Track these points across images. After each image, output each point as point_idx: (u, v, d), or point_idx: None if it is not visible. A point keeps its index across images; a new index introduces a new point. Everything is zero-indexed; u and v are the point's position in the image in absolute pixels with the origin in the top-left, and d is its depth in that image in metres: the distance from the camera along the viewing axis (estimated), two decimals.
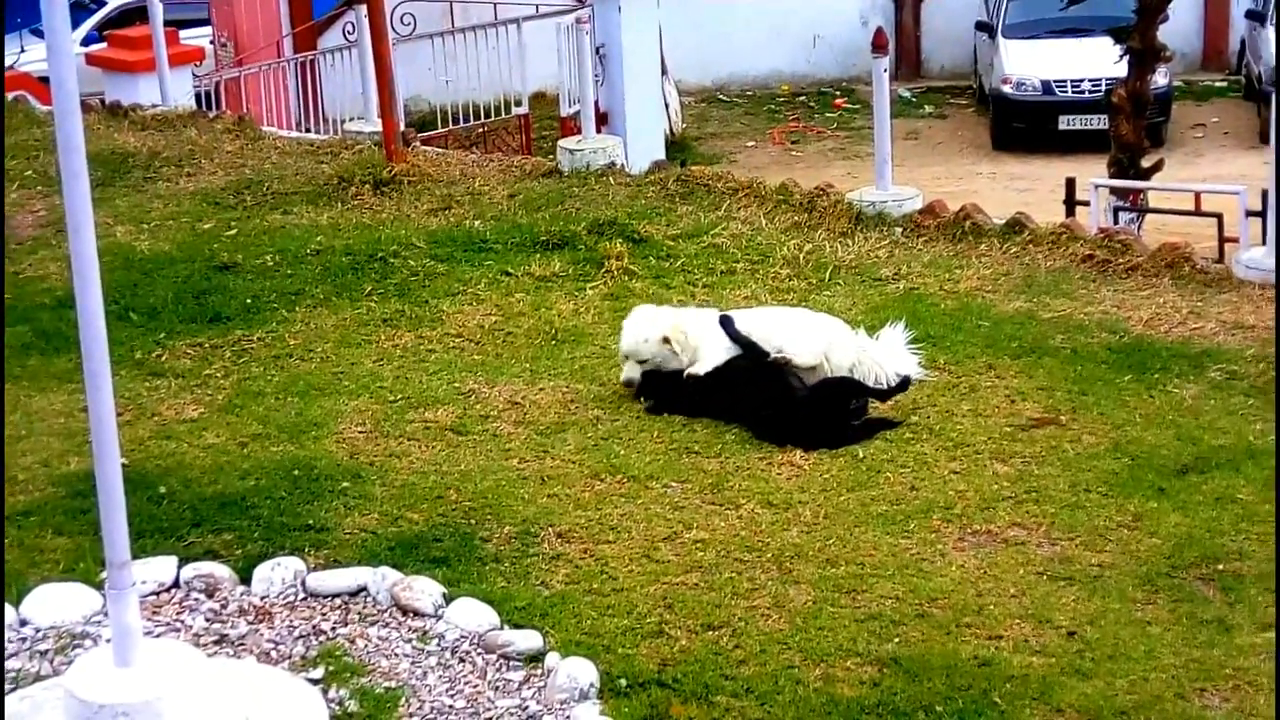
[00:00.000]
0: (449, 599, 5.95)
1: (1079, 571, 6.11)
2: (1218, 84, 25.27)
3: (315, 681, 5.51)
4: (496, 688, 5.49)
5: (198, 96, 16.06)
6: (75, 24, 20.46)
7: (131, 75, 15.07)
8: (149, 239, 10.28)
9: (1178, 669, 5.49)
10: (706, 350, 7.71)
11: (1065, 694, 5.35)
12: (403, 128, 12.44)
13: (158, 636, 5.74)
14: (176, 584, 6.15)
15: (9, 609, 5.92)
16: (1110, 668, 5.50)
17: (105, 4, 23.71)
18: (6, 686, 5.47)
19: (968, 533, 6.43)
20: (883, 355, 7.72)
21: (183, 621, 5.95)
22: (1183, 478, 6.78)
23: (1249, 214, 13.17)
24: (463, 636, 5.75)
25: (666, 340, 7.70)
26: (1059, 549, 6.28)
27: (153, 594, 6.06)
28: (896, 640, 5.67)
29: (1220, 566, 6.10)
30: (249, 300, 9.12)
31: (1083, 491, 6.71)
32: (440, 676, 5.57)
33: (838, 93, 25.39)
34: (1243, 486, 6.68)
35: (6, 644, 5.77)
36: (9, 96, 14.76)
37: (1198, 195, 14.74)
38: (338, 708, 5.38)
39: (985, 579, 6.07)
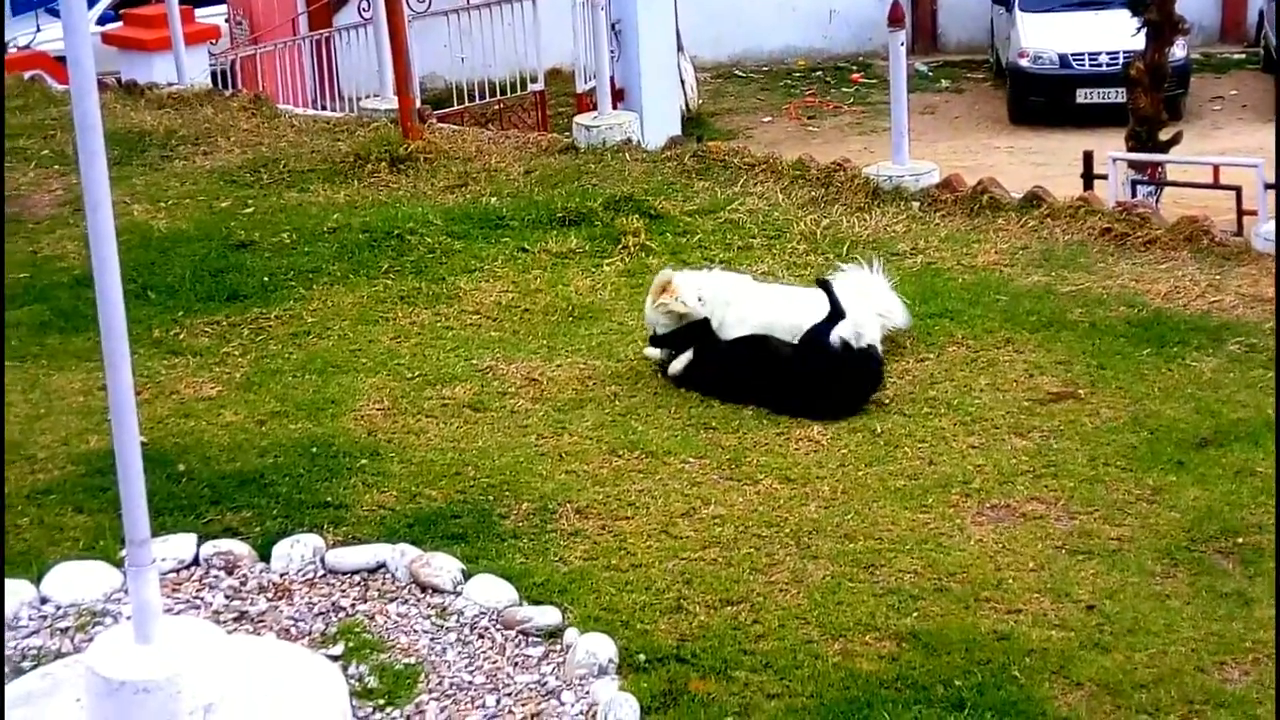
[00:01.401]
0: (467, 575, 5.96)
1: (1098, 545, 6.10)
2: (1236, 56, 25.19)
3: (335, 658, 5.52)
4: (515, 663, 5.50)
5: (213, 75, 16.07)
6: (91, 3, 20.49)
7: (147, 54, 15.09)
8: (166, 217, 10.29)
9: (1197, 642, 5.48)
10: (733, 317, 7.67)
11: (1084, 668, 5.35)
12: (418, 105, 12.43)
13: (178, 613, 5.75)
14: (196, 561, 6.17)
15: (30, 586, 5.95)
16: (1129, 641, 5.49)
17: None
18: (28, 664, 5.50)
19: (986, 507, 6.42)
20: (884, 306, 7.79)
21: (202, 599, 5.96)
22: (1201, 451, 6.77)
23: (1267, 186, 13.15)
24: (481, 613, 5.76)
25: (663, 297, 7.64)
26: (1078, 523, 6.27)
27: (173, 571, 6.08)
28: (915, 615, 5.67)
29: (1240, 540, 6.09)
30: (266, 278, 9.12)
31: (1101, 465, 6.69)
32: (459, 652, 5.58)
33: (854, 67, 25.34)
34: (1262, 460, 6.66)
35: (28, 622, 5.80)
36: (25, 75, 14.78)
37: (1216, 168, 14.72)
38: (357, 684, 5.39)
39: (1004, 553, 6.07)
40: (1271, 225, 9.26)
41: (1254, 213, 13.22)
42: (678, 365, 7.63)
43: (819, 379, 7.26)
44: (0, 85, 11.94)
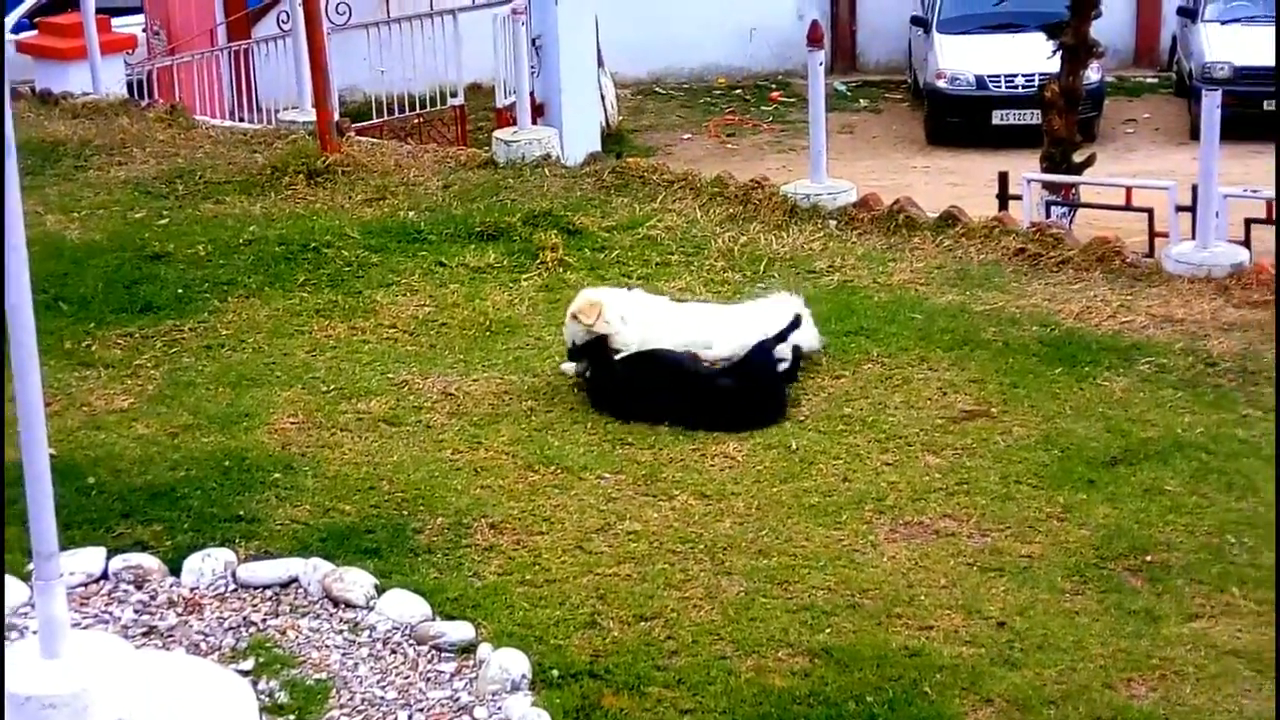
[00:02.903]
0: (381, 590, 5.93)
1: (1009, 562, 6.15)
2: (1149, 80, 25.48)
3: (245, 673, 5.48)
4: (428, 679, 5.48)
5: (130, 85, 15.92)
6: (6, 10, 20.24)
7: (62, 63, 14.91)
8: (79, 228, 10.19)
9: (1105, 659, 5.54)
10: (637, 336, 7.73)
11: (994, 684, 5.39)
12: (337, 118, 12.36)
13: (86, 628, 5.70)
14: (105, 575, 6.11)
15: None
16: (1039, 658, 5.54)
17: None
18: None
19: (899, 524, 6.46)
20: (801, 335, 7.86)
21: (111, 613, 5.90)
22: (1112, 469, 6.84)
23: (1179, 209, 13.30)
24: (394, 628, 5.74)
25: (575, 317, 7.69)
26: (989, 540, 6.32)
27: (81, 585, 6.02)
28: (828, 631, 5.69)
29: (1148, 558, 6.16)
30: (180, 290, 9.05)
31: (1013, 483, 6.75)
32: (371, 668, 5.55)
33: (773, 86, 25.43)
34: (1170, 478, 6.74)
35: None
36: None
37: (1129, 190, 14.87)
38: (268, 699, 5.35)
39: (916, 570, 6.10)
40: (1183, 247, 9.38)
41: (1166, 235, 13.37)
42: (576, 369, 7.68)
43: (751, 393, 7.38)
44: (3, 85, 11.71)
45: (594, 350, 7.63)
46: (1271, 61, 21.78)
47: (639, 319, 7.80)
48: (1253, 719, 5.20)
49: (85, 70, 14.41)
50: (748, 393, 7.41)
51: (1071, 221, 14.93)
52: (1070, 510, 6.52)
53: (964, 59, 22.93)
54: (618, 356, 7.62)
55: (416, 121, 17.73)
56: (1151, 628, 5.72)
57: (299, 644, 5.68)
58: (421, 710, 5.31)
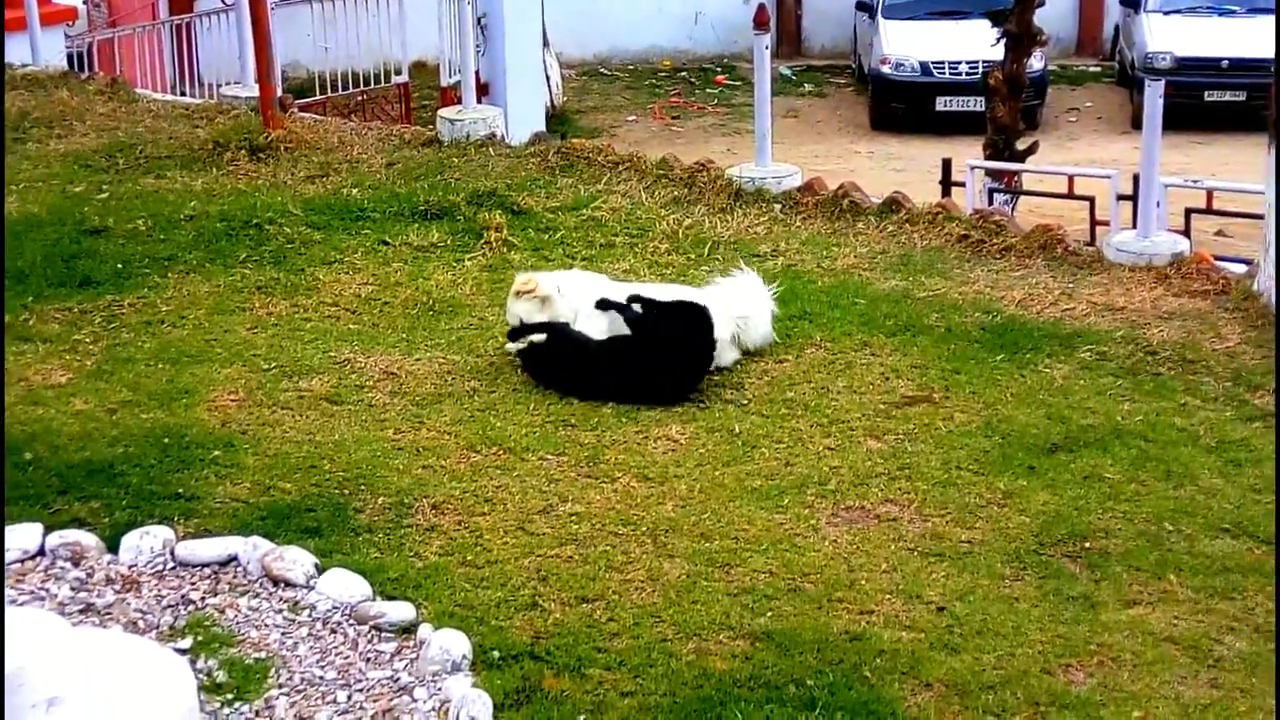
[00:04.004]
0: (321, 569, 5.90)
1: (949, 548, 6.18)
2: (1092, 69, 25.68)
3: (183, 651, 5.44)
4: (368, 659, 5.45)
5: (70, 57, 15.77)
6: None
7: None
8: (17, 201, 10.08)
9: (1044, 644, 5.57)
10: (583, 314, 7.73)
11: (934, 668, 5.41)
12: (280, 94, 12.28)
13: (22, 605, 5.64)
14: (42, 552, 6.04)
15: None
16: (978, 643, 5.57)
17: None
18: None
19: (841, 508, 6.48)
20: (748, 309, 7.82)
21: (48, 590, 5.85)
22: (1052, 456, 6.88)
23: (1120, 198, 13.42)
24: (334, 607, 5.71)
25: (518, 294, 7.69)
26: (930, 525, 6.35)
27: (17, 562, 5.96)
28: (769, 614, 5.70)
29: (1087, 544, 6.20)
30: (120, 265, 8.97)
31: (954, 469, 6.78)
32: (311, 647, 5.52)
33: (719, 69, 25.47)
34: (1110, 466, 6.79)
35: None
36: None
37: (1071, 178, 14.99)
38: (206, 678, 5.32)
39: (857, 554, 6.12)
40: (1124, 235, 9.44)
41: (1107, 223, 13.48)
42: (517, 345, 7.66)
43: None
44: (1, 82, 11.65)
45: (547, 329, 7.63)
46: (1213, 52, 22.00)
47: (577, 293, 7.81)
48: (1189, 705, 5.24)
49: (25, 42, 14.24)
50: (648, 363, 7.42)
51: (1014, 209, 15.05)
52: (1010, 496, 6.56)
53: (909, 45, 23.03)
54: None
55: (360, 99, 17.66)
56: (1090, 614, 5.76)
57: (238, 623, 5.64)
58: (361, 690, 5.29)
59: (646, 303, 7.60)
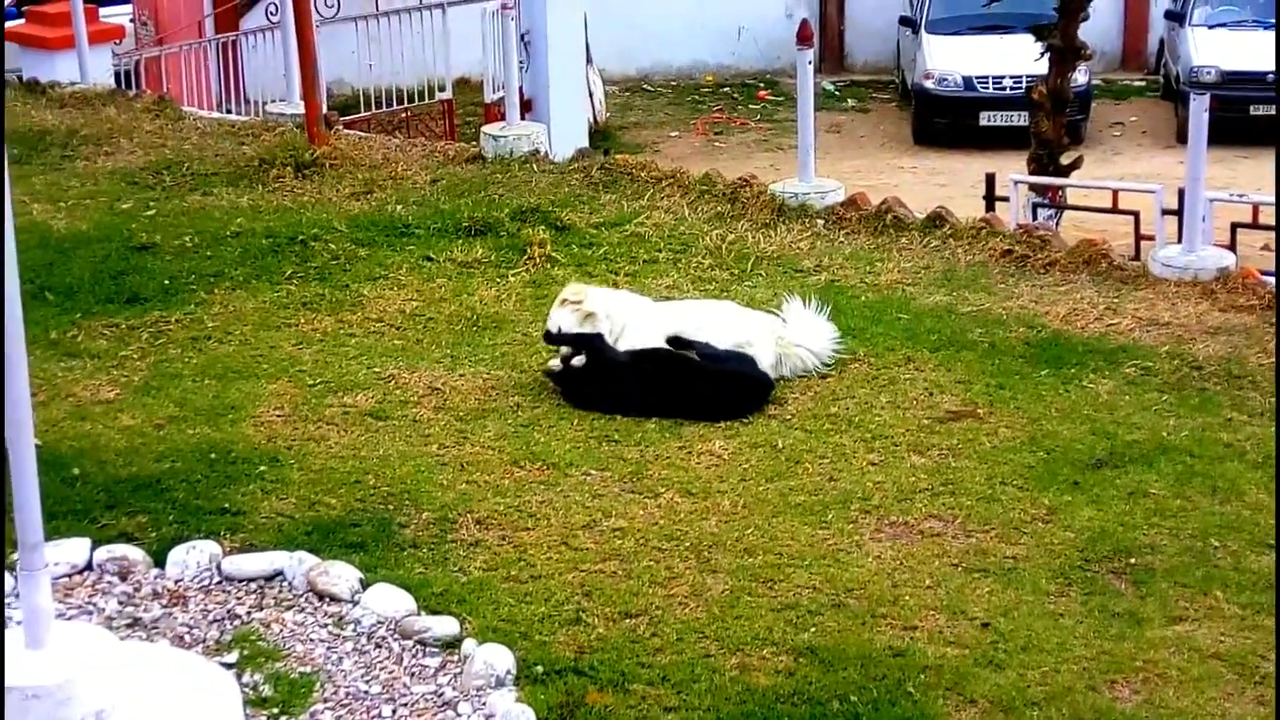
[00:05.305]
0: (366, 584, 5.93)
1: (993, 564, 6.16)
2: (1136, 83, 25.55)
3: (229, 666, 5.48)
4: (412, 674, 5.48)
5: (117, 75, 15.87)
6: None
7: (50, 52, 14.85)
8: (66, 218, 10.16)
9: (1089, 661, 5.55)
10: (631, 333, 7.74)
11: (978, 685, 5.40)
12: (325, 110, 12.35)
13: (70, 619, 5.69)
14: (90, 566, 6.09)
15: None
16: (1023, 659, 5.55)
17: None
18: None
19: (885, 524, 6.47)
20: (802, 337, 7.81)
21: (95, 604, 5.89)
22: (1096, 472, 6.85)
23: (1165, 212, 13.35)
24: (379, 622, 5.73)
25: (564, 301, 7.71)
26: (974, 541, 6.33)
27: (65, 576, 6.01)
28: (812, 630, 5.70)
29: (1132, 560, 6.17)
30: (167, 281, 9.03)
31: (998, 484, 6.76)
32: (356, 662, 5.54)
33: (761, 84, 25.45)
34: (1155, 481, 6.76)
35: None
36: None
37: (1115, 193, 14.91)
38: (252, 692, 5.35)
39: (901, 570, 6.11)
40: (1169, 250, 9.40)
41: (1152, 238, 13.41)
42: (556, 363, 7.68)
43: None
44: (1, 83, 11.71)
45: (585, 343, 7.63)
46: (1258, 66, 21.88)
47: (621, 316, 7.83)
48: None
49: (73, 60, 14.34)
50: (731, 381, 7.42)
51: (1058, 224, 14.97)
52: (1055, 512, 6.53)
53: (952, 60, 22.97)
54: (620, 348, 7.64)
55: (404, 115, 17.72)
56: (1135, 630, 5.74)
57: (283, 637, 5.68)
58: (405, 705, 5.31)
59: (708, 355, 7.60)
